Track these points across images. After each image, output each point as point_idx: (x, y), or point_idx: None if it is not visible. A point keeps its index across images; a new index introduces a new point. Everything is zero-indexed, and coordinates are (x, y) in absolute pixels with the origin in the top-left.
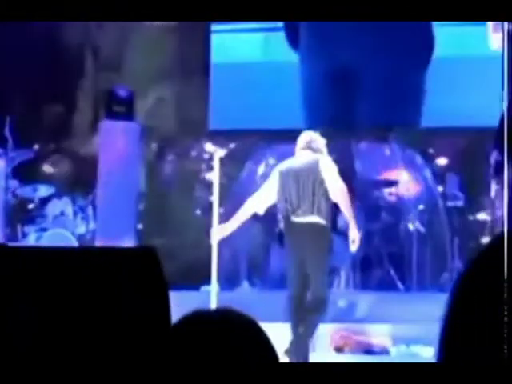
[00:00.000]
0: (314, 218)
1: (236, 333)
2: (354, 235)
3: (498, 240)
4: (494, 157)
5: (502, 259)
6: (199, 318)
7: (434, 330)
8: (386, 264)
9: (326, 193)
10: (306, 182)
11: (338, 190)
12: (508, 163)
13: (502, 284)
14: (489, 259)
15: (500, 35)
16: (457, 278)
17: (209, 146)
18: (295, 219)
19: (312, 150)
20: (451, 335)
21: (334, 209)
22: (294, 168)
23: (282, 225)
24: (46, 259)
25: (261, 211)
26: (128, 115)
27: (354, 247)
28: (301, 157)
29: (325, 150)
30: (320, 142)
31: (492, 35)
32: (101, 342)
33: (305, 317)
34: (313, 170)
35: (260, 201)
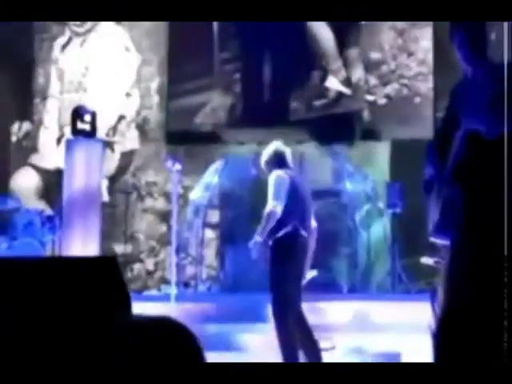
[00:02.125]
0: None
1: (168, 338)
2: None
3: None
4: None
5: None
6: (136, 325)
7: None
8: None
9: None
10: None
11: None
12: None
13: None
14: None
15: None
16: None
17: (167, 162)
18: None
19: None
20: (447, 335)
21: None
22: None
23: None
24: (17, 269)
25: None
26: (91, 132)
27: None
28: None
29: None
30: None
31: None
32: (65, 350)
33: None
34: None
35: None
